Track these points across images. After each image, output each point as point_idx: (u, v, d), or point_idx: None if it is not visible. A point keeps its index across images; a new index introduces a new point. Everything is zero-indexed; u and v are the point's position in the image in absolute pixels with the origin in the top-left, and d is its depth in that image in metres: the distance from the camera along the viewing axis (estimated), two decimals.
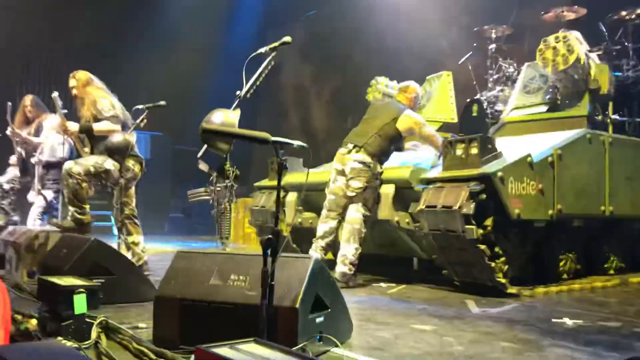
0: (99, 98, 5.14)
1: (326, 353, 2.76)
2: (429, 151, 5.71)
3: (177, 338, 2.79)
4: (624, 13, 6.81)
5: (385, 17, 10.43)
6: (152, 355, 2.58)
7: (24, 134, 6.76)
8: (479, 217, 4.52)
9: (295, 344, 2.51)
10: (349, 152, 5.15)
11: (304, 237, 6.01)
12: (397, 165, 5.27)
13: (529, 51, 7.98)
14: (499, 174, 4.53)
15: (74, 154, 6.87)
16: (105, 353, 2.64)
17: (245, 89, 3.65)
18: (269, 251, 2.35)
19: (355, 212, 5.05)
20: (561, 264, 5.39)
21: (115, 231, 8.02)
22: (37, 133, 6.88)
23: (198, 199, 3.88)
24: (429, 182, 4.92)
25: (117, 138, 4.67)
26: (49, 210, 6.61)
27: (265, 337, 2.22)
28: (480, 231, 4.49)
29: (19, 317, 2.92)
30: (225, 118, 3.43)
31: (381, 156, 5.18)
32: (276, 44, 3.79)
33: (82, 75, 5.30)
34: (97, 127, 5.05)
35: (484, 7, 8.72)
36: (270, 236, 2.35)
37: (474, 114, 7.59)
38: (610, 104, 6.29)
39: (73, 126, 5.19)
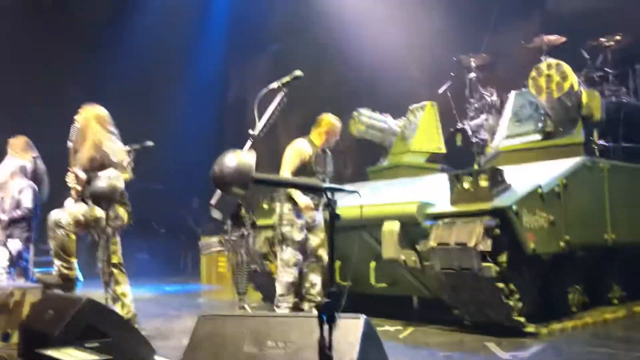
0: (105, 140, 4.61)
1: None
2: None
3: None
4: (602, 40, 6.85)
5: (352, 46, 10.28)
6: None
7: None
8: (494, 253, 4.31)
9: None
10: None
11: None
12: (401, 201, 5.01)
13: (503, 79, 7.98)
14: (514, 207, 4.33)
15: (39, 200, 6.27)
16: None
17: (258, 127, 3.34)
18: (324, 316, 2.04)
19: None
20: (569, 296, 5.22)
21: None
22: None
23: (211, 251, 3.50)
24: (437, 217, 4.68)
25: (102, 183, 4.20)
26: (17, 262, 5.98)
27: None
28: (497, 268, 4.28)
29: None
30: (239, 160, 3.10)
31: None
32: (287, 78, 3.54)
33: (97, 110, 4.78)
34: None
35: (455, 36, 8.68)
36: (328, 300, 2.04)
37: (458, 144, 7.47)
38: (595, 130, 6.25)
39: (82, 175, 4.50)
